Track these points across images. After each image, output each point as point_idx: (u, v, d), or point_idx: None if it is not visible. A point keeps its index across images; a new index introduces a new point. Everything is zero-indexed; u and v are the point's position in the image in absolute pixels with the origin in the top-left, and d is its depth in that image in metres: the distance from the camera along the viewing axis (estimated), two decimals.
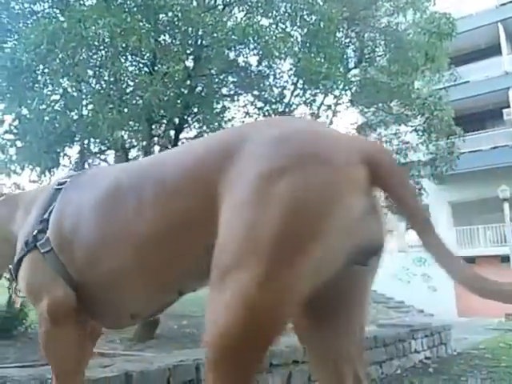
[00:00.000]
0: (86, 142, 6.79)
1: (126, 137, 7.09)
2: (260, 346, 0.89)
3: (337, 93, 9.50)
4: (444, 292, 14.07)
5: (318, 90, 9.36)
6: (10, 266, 1.45)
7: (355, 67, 10.02)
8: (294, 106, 9.94)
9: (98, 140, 6.36)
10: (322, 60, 6.77)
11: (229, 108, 10.40)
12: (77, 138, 6.47)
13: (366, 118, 11.37)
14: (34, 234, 1.30)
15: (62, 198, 1.32)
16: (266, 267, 0.84)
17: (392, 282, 15.69)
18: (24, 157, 5.56)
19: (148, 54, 6.15)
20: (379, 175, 0.93)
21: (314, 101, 9.89)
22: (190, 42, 6.96)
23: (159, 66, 6.39)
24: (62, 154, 6.68)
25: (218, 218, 0.94)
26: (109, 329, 1.39)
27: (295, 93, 9.55)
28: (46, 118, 5.55)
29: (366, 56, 9.85)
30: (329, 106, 10.11)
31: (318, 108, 9.92)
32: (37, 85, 5.85)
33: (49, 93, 5.85)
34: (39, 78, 5.76)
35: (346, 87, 8.00)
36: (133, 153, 8.72)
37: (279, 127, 1.01)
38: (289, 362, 3.94)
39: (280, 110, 9.88)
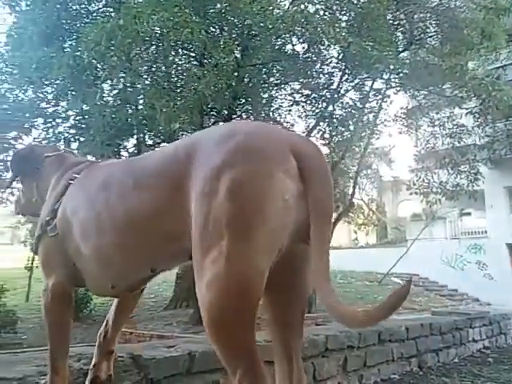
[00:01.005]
0: (141, 135, 7.07)
1: (179, 128, 7.30)
2: (244, 308, 1.04)
3: (387, 76, 9.26)
4: (502, 280, 13.47)
5: (367, 75, 9.17)
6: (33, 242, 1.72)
7: (405, 50, 9.69)
8: (343, 92, 9.81)
9: (152, 133, 6.60)
10: (373, 43, 6.61)
11: (276, 97, 10.43)
12: (135, 131, 6.75)
13: (418, 102, 10.99)
14: (47, 219, 1.59)
15: (69, 191, 1.61)
16: (228, 245, 1.02)
17: (445, 270, 15.23)
18: (87, 150, 5.90)
19: (199, 47, 6.28)
20: (304, 167, 1.09)
21: (363, 86, 9.71)
22: (238, 32, 7.02)
23: (209, 58, 6.51)
24: (121, 146, 7.01)
25: (187, 207, 1.12)
26: (96, 295, 1.61)
27: (343, 78, 9.39)
28: (107, 113, 5.84)
29: (417, 38, 9.50)
30: (378, 91, 9.88)
31: (367, 93, 9.71)
32: (97, 81, 6.17)
33: (108, 88, 6.14)
34: (99, 74, 6.06)
35: (399, 70, 7.76)
36: None
37: (226, 127, 1.26)
38: (344, 347, 3.98)
39: (328, 96, 9.79)
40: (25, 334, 8.14)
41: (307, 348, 3.59)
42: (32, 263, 11.59)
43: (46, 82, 7.02)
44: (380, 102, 10.05)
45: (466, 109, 10.00)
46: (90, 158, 5.96)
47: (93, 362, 1.75)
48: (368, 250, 19.00)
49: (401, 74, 8.88)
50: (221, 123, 8.94)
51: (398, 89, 10.50)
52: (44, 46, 6.24)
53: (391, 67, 7.38)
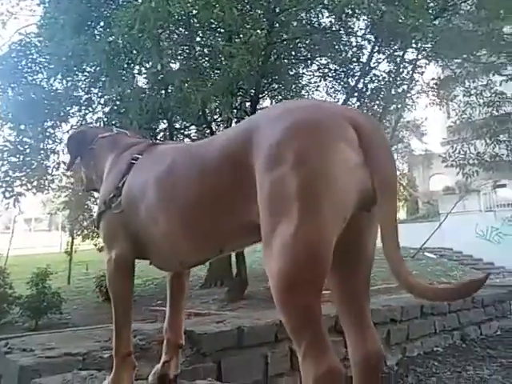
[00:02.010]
0: (173, 118, 7.12)
1: (208, 111, 7.31)
2: (312, 277, 1.06)
3: (419, 46, 8.93)
4: None
5: (399, 46, 8.88)
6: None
7: (437, 17, 9.28)
8: (373, 65, 9.55)
9: (184, 116, 6.63)
10: (406, 11, 6.37)
11: (303, 74, 10.25)
12: (168, 115, 6.81)
13: (452, 71, 10.58)
14: (110, 197, 1.65)
15: (134, 171, 1.66)
16: (296, 216, 1.04)
17: (480, 243, 14.88)
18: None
19: (230, 25, 6.18)
20: (363, 137, 1.10)
21: (395, 57, 9.41)
22: (265, 8, 6.89)
23: (238, 36, 6.44)
24: (157, 130, 7.10)
25: (252, 185, 1.15)
26: (160, 270, 1.74)
27: (374, 50, 9.12)
28: (144, 97, 5.90)
29: (450, 3, 9.08)
30: (410, 62, 9.56)
31: (399, 64, 9.41)
32: (132, 65, 6.22)
33: (144, 71, 6.17)
34: (133, 58, 6.10)
35: (435, 38, 7.47)
36: (214, 127, 8.97)
37: (282, 106, 1.29)
38: (386, 321, 4.00)
39: (357, 70, 9.56)
40: (69, 315, 8.53)
41: None
42: (71, 248, 12.04)
43: (79, 70, 7.14)
44: (411, 72, 9.72)
45: (507, 75, 9.53)
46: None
47: (162, 359, 1.79)
48: (399, 225, 18.63)
49: (434, 43, 8.54)
50: (248, 103, 8.92)
51: (431, 58, 10.12)
52: (76, 34, 6.30)
53: (426, 35, 7.09)
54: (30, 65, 7.63)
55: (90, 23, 6.83)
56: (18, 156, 7.17)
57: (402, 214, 23.64)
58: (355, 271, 1.23)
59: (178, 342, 1.79)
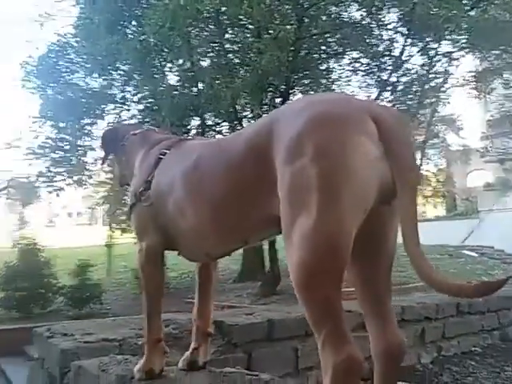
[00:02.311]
0: (204, 115, 7.21)
1: (239, 107, 7.34)
2: (332, 268, 1.07)
3: (454, 38, 8.62)
4: None
5: (432, 38, 8.61)
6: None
7: (473, 8, 8.93)
8: (405, 58, 9.30)
9: (215, 113, 6.70)
10: (439, 2, 6.18)
11: (334, 68, 10.11)
12: (199, 112, 6.90)
13: (489, 63, 10.17)
14: (140, 190, 1.71)
15: (162, 166, 1.71)
16: (316, 207, 1.05)
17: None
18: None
19: (258, 21, 6.18)
20: (383, 130, 1.10)
21: (428, 50, 9.14)
22: (294, 2, 6.85)
23: (267, 31, 6.43)
24: (190, 127, 7.23)
25: (274, 178, 1.17)
26: (188, 260, 1.79)
27: (406, 43, 8.89)
28: (176, 94, 6.01)
29: None
30: (444, 54, 9.25)
31: (433, 57, 9.13)
32: (163, 63, 6.34)
33: (175, 68, 6.28)
34: (164, 56, 6.21)
35: (469, 29, 7.21)
36: (244, 123, 9.01)
37: (303, 100, 1.31)
38: (421, 319, 3.92)
39: (389, 63, 9.34)
40: (109, 305, 8.81)
41: None
42: (111, 241, 12.43)
43: (113, 69, 7.34)
44: (447, 65, 9.42)
45: None
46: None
47: (192, 346, 1.82)
48: (437, 222, 18.16)
49: (470, 34, 8.23)
50: (278, 99, 8.89)
51: (467, 50, 9.76)
52: (110, 34, 6.47)
53: (461, 26, 6.85)
54: (67, 64, 7.91)
55: (122, 23, 6.99)
56: (58, 152, 7.47)
57: (440, 211, 22.97)
58: (376, 263, 1.22)
59: (207, 329, 1.82)
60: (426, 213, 23.13)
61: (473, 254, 13.30)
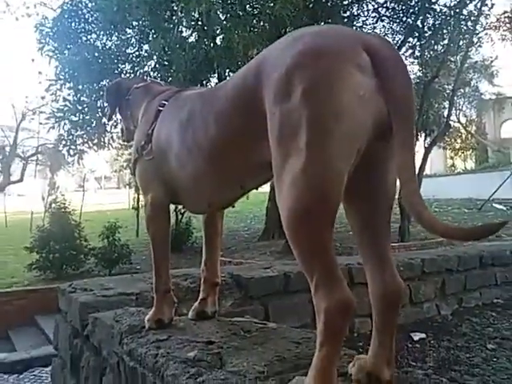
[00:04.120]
0: (221, 70, 7.04)
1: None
2: (322, 210, 1.03)
3: None
4: None
5: None
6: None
7: None
8: (433, 0, 8.71)
9: (233, 67, 6.51)
10: None
11: (358, 15, 9.63)
12: (215, 66, 6.74)
13: None
14: (142, 144, 1.70)
15: (161, 118, 1.68)
16: (305, 149, 1.00)
17: None
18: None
19: None
20: (377, 61, 1.02)
21: None
22: None
23: None
24: (204, 83, 7.10)
25: (264, 120, 1.12)
26: (193, 213, 1.86)
27: None
28: (187, 48, 5.86)
29: None
30: None
31: None
32: (173, 16, 6.15)
33: (184, 22, 6.09)
34: (174, 8, 6.01)
35: None
36: None
37: (294, 33, 1.19)
38: (442, 271, 3.87)
39: (418, 7, 8.79)
40: (138, 265, 9.16)
41: (402, 271, 3.56)
42: (138, 203, 12.73)
43: (128, 26, 7.20)
44: (479, 5, 8.77)
45: None
46: None
47: (200, 296, 1.84)
48: (467, 175, 17.66)
49: None
50: None
51: None
52: None
53: None
54: (82, 24, 7.81)
55: None
56: (77, 115, 7.52)
57: (470, 164, 22.28)
58: (374, 204, 1.17)
59: (214, 280, 1.83)
60: (456, 166, 22.52)
61: (502, 207, 12.92)
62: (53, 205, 9.06)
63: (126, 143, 2.43)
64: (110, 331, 1.83)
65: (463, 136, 20.81)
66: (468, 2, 8.71)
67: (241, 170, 1.36)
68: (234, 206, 1.66)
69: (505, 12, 9.93)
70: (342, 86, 0.99)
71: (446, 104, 10.55)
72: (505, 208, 13.05)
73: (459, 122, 19.62)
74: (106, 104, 2.28)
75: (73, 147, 7.81)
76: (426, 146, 9.52)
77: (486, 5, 8.75)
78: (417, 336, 3.13)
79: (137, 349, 1.59)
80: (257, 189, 1.53)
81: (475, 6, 8.87)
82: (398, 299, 1.17)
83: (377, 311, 1.18)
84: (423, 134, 10.19)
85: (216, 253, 1.86)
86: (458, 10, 8.52)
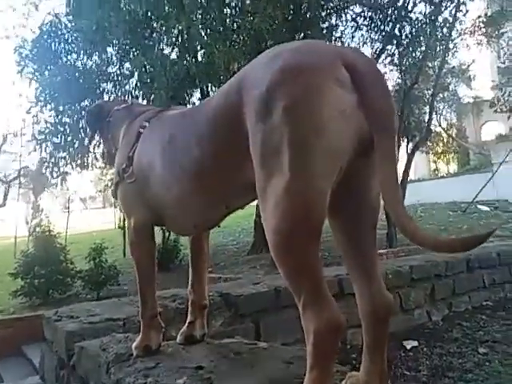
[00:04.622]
0: (204, 85, 7.06)
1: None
2: (307, 229, 1.02)
3: None
4: None
5: None
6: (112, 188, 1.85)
7: None
8: (410, 8, 8.91)
9: (215, 82, 6.53)
10: None
11: (337, 25, 9.77)
12: (197, 82, 6.75)
13: (499, 6, 9.70)
14: (123, 167, 1.67)
15: (142, 140, 1.66)
16: (287, 167, 1.00)
17: None
18: (155, 105, 6.02)
19: None
20: (356, 76, 1.02)
21: None
22: None
23: None
24: (186, 99, 7.10)
25: (246, 140, 1.11)
26: (178, 235, 1.67)
27: None
28: (168, 65, 5.86)
29: None
30: (451, 0, 8.82)
31: (439, 3, 8.72)
32: (153, 34, 6.16)
33: (164, 39, 6.10)
34: (154, 25, 6.03)
35: None
36: None
37: (273, 50, 1.17)
38: (430, 276, 3.90)
39: (394, 15, 8.97)
40: (126, 285, 9.00)
41: (391, 279, 3.57)
42: (124, 222, 12.58)
43: (108, 45, 7.18)
44: (454, 12, 8.98)
45: None
46: None
47: (188, 320, 1.81)
48: (450, 179, 17.89)
49: None
50: None
51: None
52: (101, 7, 6.28)
53: None
54: (62, 45, 7.76)
55: None
56: (59, 136, 7.44)
57: (453, 168, 22.60)
58: (359, 220, 1.16)
59: (202, 302, 1.80)
60: (439, 170, 22.83)
61: (486, 208, 13.10)
62: (37, 228, 8.88)
63: (104, 163, 2.40)
64: (97, 360, 1.79)
65: (445, 140, 21.14)
66: (443, 9, 8.91)
67: (226, 190, 1.34)
68: (219, 226, 1.64)
69: (479, 16, 10.16)
70: (322, 101, 0.99)
71: (427, 109, 10.71)
72: (489, 209, 13.24)
73: (440, 126, 19.95)
74: (86, 127, 2.25)
75: (55, 169, 7.71)
76: (409, 151, 9.63)
77: (461, 11, 8.97)
78: (409, 344, 3.13)
79: (124, 378, 1.55)
80: (242, 208, 1.50)
81: (450, 12, 9.09)
82: (387, 314, 1.16)
83: (366, 326, 1.17)
84: (405, 140, 10.33)
85: (203, 274, 1.83)
86: (433, 18, 8.71)
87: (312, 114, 0.99)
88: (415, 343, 3.14)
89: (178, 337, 1.81)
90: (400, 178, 9.51)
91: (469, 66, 17.23)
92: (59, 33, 7.91)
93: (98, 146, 7.96)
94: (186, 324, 1.81)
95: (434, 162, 23.23)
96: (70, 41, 7.90)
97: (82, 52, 7.61)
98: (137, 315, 2.40)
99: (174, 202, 1.52)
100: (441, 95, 15.82)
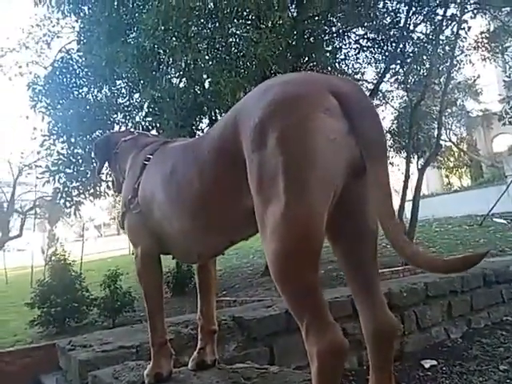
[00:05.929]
0: (212, 113, 7.21)
1: None
2: (306, 253, 1.04)
3: (459, 0, 8.32)
4: None
5: (437, 3, 8.32)
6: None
7: None
8: (412, 28, 9.04)
9: (222, 109, 6.68)
10: None
11: (340, 47, 9.94)
12: (205, 110, 6.90)
13: (501, 22, 9.77)
14: (129, 198, 1.73)
15: (146, 172, 1.72)
16: (284, 194, 1.03)
17: None
18: (165, 134, 6.17)
19: (253, 11, 6.11)
20: (345, 103, 1.05)
21: (435, 15, 8.85)
22: None
23: (265, 20, 6.35)
24: (194, 127, 7.24)
25: (245, 172, 1.14)
26: (184, 263, 1.67)
27: (411, 11, 8.64)
28: (176, 95, 6.02)
29: None
30: (452, 18, 8.93)
31: (440, 22, 8.83)
32: (161, 66, 6.35)
33: (172, 71, 6.28)
34: (162, 59, 6.22)
35: None
36: None
37: (265, 83, 1.22)
38: (446, 293, 3.83)
39: (396, 35, 9.10)
40: (142, 312, 8.98)
41: (406, 297, 3.52)
42: None
43: (117, 78, 7.41)
44: (456, 29, 9.08)
45: None
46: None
47: (198, 346, 1.81)
48: (464, 193, 17.69)
49: None
50: None
51: (476, 12, 9.41)
52: (110, 43, 6.53)
53: None
54: (74, 80, 8.03)
55: (122, 31, 7.02)
56: (72, 167, 7.62)
57: (466, 181, 22.36)
58: (359, 241, 1.18)
59: (211, 327, 1.81)
60: (452, 184, 22.60)
61: (502, 220, 12.87)
62: (52, 257, 8.98)
63: (114, 192, 2.46)
64: None
65: (456, 154, 21.02)
66: (444, 28, 9.02)
67: (227, 221, 1.36)
68: (223, 254, 1.65)
69: (481, 33, 10.24)
70: (312, 130, 1.03)
71: (435, 125, 10.71)
72: (505, 222, 13.00)
73: (450, 140, 19.87)
74: (94, 158, 2.32)
75: (69, 199, 7.86)
76: (419, 167, 9.59)
77: (463, 29, 9.06)
78: (428, 363, 3.06)
79: None
80: (247, 239, 1.50)
81: (452, 30, 9.19)
82: (392, 335, 1.16)
83: (371, 348, 1.17)
84: (415, 156, 10.31)
85: (211, 299, 1.84)
86: (434, 37, 8.82)
87: (303, 144, 1.03)
88: (434, 362, 3.07)
89: (189, 363, 1.81)
90: (412, 193, 9.45)
91: (474, 80, 17.28)
92: (70, 68, 8.18)
93: (110, 175, 8.11)
94: (197, 350, 1.81)
95: (447, 176, 23.04)
96: (81, 75, 8.16)
97: (92, 86, 7.85)
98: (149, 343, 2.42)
99: (176, 233, 1.55)
100: (449, 110, 15.83)
